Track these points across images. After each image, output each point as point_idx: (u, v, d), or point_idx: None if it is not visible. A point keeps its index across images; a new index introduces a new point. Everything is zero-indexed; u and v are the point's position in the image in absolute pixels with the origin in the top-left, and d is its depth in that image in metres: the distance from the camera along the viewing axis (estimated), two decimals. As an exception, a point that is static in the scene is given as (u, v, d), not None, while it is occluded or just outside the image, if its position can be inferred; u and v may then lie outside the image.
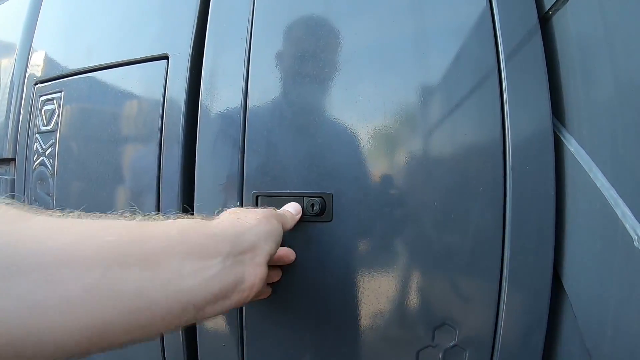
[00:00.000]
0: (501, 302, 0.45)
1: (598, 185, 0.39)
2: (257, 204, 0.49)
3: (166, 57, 0.55)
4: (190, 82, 0.53)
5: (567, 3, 0.44)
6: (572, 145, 0.45)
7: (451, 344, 0.47)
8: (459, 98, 0.47)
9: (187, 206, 0.51)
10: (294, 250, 0.48)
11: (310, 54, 0.49)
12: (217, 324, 0.51)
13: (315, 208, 0.47)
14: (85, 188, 0.57)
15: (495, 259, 0.45)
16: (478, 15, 0.48)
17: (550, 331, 0.46)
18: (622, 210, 0.35)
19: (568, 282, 0.45)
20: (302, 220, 0.47)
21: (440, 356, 0.47)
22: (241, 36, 0.52)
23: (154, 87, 0.54)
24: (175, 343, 0.53)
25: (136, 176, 0.54)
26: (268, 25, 0.51)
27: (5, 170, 0.70)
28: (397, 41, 0.48)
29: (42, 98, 0.64)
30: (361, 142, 0.48)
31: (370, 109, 0.48)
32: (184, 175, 0.52)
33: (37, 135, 0.64)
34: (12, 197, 0.66)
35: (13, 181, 0.67)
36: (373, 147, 0.47)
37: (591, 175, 0.40)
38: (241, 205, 0.49)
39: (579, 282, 0.42)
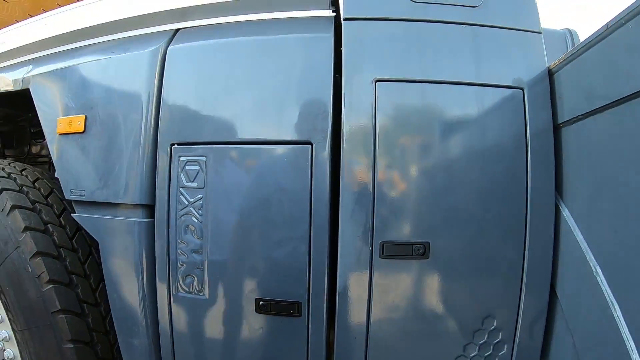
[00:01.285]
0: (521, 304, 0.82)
1: (577, 238, 0.75)
2: (382, 252, 0.78)
3: (310, 143, 0.78)
4: (331, 165, 0.78)
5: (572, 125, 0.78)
6: (565, 211, 0.81)
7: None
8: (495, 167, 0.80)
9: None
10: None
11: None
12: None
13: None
14: (235, 238, 0.81)
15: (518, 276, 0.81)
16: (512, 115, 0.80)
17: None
18: (589, 253, 0.72)
19: (560, 293, 0.82)
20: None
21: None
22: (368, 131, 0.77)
23: (300, 170, 0.78)
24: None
25: (286, 226, 0.79)
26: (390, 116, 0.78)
27: (141, 213, 0.86)
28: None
29: (183, 159, 0.83)
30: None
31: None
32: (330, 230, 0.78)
33: (180, 189, 0.83)
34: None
35: (153, 224, 0.85)
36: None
37: (573, 232, 0.76)
38: (371, 249, 0.78)
39: (568, 293, 0.80)
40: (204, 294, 0.84)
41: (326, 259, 0.82)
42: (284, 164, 0.81)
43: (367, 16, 0.83)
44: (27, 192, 1.16)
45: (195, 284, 0.85)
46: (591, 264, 0.74)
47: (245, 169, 0.82)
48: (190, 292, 0.85)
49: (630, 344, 0.66)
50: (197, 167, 0.82)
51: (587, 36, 0.72)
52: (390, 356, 0.84)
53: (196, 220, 0.82)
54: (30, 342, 1.09)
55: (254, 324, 0.83)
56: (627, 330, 0.68)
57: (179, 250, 0.84)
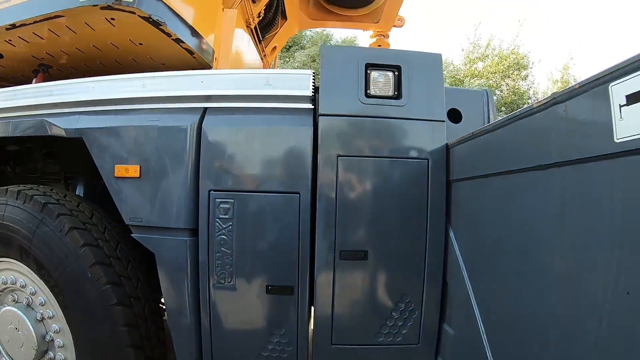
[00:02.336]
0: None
1: (455, 249, 1.37)
2: (340, 256, 1.34)
3: (298, 193, 1.32)
4: (311, 205, 1.33)
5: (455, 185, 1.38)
6: (450, 233, 1.42)
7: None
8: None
9: None
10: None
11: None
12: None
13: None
14: (252, 249, 1.34)
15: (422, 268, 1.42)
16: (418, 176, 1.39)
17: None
18: (460, 259, 1.33)
19: (448, 281, 1.44)
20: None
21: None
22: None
23: (292, 209, 1.32)
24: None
25: (284, 242, 1.34)
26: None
27: (188, 234, 1.37)
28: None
29: (218, 200, 1.35)
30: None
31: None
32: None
33: (216, 219, 1.35)
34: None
35: (197, 241, 1.36)
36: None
37: (454, 245, 1.38)
38: (334, 254, 1.35)
39: (450, 282, 1.42)
40: (232, 284, 1.39)
41: (308, 260, 1.40)
42: (282, 205, 1.36)
43: (334, 113, 1.39)
44: (77, 215, 1.60)
45: (226, 278, 1.39)
46: (461, 265, 1.36)
47: (258, 207, 1.36)
48: (223, 283, 1.39)
49: (476, 310, 1.28)
50: (228, 206, 1.35)
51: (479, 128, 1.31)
52: (347, 320, 1.43)
53: (226, 239, 1.36)
54: (85, 331, 1.53)
55: (265, 301, 1.41)
56: (475, 301, 1.30)
57: (215, 257, 1.37)
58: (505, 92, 15.47)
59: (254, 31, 2.97)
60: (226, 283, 1.39)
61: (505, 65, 15.22)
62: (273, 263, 1.40)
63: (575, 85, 0.83)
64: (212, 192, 1.37)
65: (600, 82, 0.75)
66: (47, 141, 2.00)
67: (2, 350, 1.81)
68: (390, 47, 4.16)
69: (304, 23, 3.92)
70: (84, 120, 1.56)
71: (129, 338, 1.48)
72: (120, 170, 1.44)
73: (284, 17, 3.56)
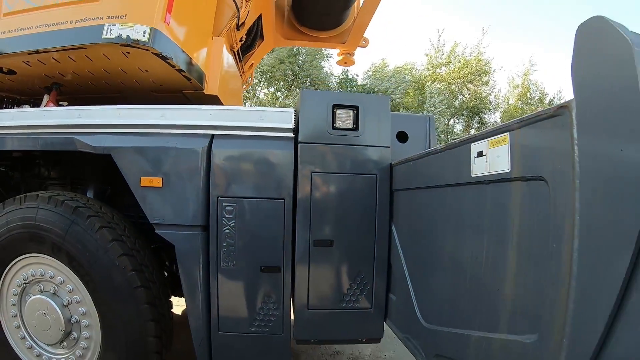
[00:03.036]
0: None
1: (396, 239, 1.96)
2: (314, 244, 1.90)
3: (283, 199, 1.87)
4: (292, 208, 1.88)
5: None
6: (393, 228, 2.01)
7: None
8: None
9: None
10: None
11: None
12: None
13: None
14: (249, 240, 1.87)
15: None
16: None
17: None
18: (398, 246, 1.93)
19: (392, 263, 2.04)
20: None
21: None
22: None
23: (279, 211, 1.87)
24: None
25: (272, 234, 1.88)
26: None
27: (200, 229, 1.88)
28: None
29: (224, 204, 1.87)
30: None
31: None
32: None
33: (223, 218, 1.86)
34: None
35: (207, 235, 1.87)
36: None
37: (395, 237, 1.97)
38: (309, 242, 1.91)
39: (393, 263, 2.02)
40: (234, 266, 1.91)
41: (290, 247, 1.96)
42: (272, 207, 1.91)
43: (310, 141, 1.95)
44: (102, 215, 2.05)
45: (230, 261, 1.91)
46: (400, 251, 1.96)
47: (254, 209, 1.89)
48: (227, 266, 1.91)
49: (409, 282, 1.88)
50: (232, 208, 1.87)
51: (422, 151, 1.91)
52: (319, 291, 1.99)
53: (230, 233, 1.88)
54: (113, 311, 1.92)
55: (259, 278, 1.95)
56: (408, 277, 1.90)
57: (222, 247, 1.89)
58: (467, 97, 16.63)
59: (236, 53, 3.46)
60: (230, 265, 1.92)
61: (467, 71, 16.34)
62: (265, 250, 1.94)
63: (456, 140, 1.43)
64: (219, 198, 1.89)
65: (468, 142, 1.35)
66: (55, 152, 2.37)
67: (26, 335, 2.19)
68: (355, 62, 4.78)
69: (279, 42, 4.44)
70: (110, 139, 2.01)
71: (150, 314, 1.93)
72: (145, 181, 1.91)
73: (262, 37, 4.06)
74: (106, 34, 2.13)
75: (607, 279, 0.82)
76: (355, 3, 4.10)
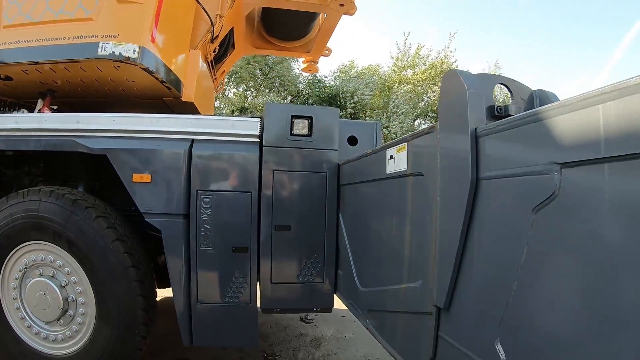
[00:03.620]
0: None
1: (342, 226, 2.49)
2: (275, 228, 2.41)
3: (250, 192, 2.35)
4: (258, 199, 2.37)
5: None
6: (340, 217, 2.54)
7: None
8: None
9: None
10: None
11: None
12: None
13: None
14: (223, 225, 2.35)
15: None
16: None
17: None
18: (344, 232, 2.46)
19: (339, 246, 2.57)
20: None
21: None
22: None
23: (246, 201, 2.36)
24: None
25: (242, 220, 2.36)
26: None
27: (182, 217, 2.33)
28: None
29: (202, 196, 2.35)
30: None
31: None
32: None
33: (201, 208, 2.33)
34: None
35: (188, 222, 2.33)
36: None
37: (342, 225, 2.50)
38: (272, 227, 2.41)
39: (340, 245, 2.54)
40: (211, 247, 2.38)
41: (256, 231, 2.45)
42: (241, 199, 2.38)
43: (272, 145, 2.45)
44: (97, 207, 2.46)
45: (207, 243, 2.37)
46: (345, 235, 2.48)
47: (226, 200, 2.36)
48: (205, 247, 2.37)
49: (351, 259, 2.40)
50: (208, 200, 2.33)
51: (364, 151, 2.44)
52: (280, 267, 2.49)
53: (207, 219, 2.34)
54: (107, 288, 2.29)
55: (231, 257, 2.42)
56: (351, 255, 2.42)
57: (200, 231, 2.35)
58: (433, 99, 17.51)
59: (209, 62, 3.89)
60: (207, 247, 2.38)
61: (433, 74, 17.19)
62: (235, 233, 2.42)
63: (377, 148, 1.97)
64: (198, 191, 2.34)
65: (385, 148, 1.88)
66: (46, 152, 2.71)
67: (25, 315, 2.55)
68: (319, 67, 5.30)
69: (248, 50, 4.90)
70: (106, 142, 2.41)
71: (139, 290, 2.35)
72: (136, 177, 2.34)
73: (233, 47, 4.50)
74: (101, 51, 2.51)
75: (453, 239, 1.35)
76: (320, 16, 4.60)
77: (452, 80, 1.41)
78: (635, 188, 0.75)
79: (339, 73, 16.34)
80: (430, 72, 17.01)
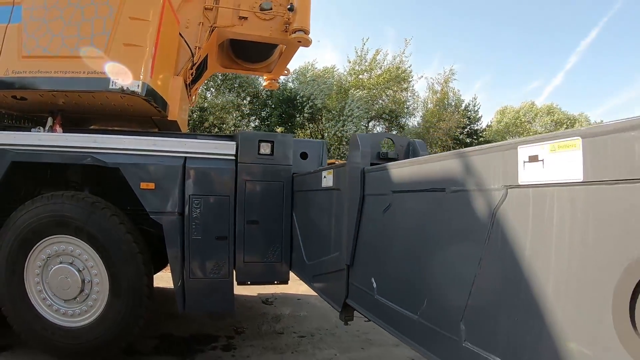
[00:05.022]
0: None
1: (296, 223, 3.55)
2: (247, 222, 3.43)
3: (228, 195, 3.36)
4: (235, 200, 3.39)
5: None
6: (294, 214, 3.60)
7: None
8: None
9: None
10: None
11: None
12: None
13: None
14: (210, 220, 3.35)
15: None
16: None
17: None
18: (297, 226, 3.53)
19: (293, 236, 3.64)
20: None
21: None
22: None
23: (225, 202, 3.37)
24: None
25: (224, 216, 3.36)
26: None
27: (178, 214, 3.28)
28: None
29: (193, 199, 3.31)
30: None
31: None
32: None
33: (193, 208, 3.29)
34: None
35: (183, 218, 3.28)
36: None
37: (295, 221, 3.57)
38: (244, 222, 3.43)
39: (294, 236, 3.61)
40: (200, 237, 3.34)
41: (234, 224, 3.46)
42: (222, 201, 3.37)
43: (245, 162, 3.47)
44: (110, 207, 3.34)
45: (197, 233, 3.33)
46: (297, 228, 3.55)
47: (211, 202, 3.34)
48: (196, 236, 3.33)
49: (301, 244, 3.47)
50: (199, 202, 3.30)
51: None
52: (250, 251, 3.51)
53: (197, 216, 3.31)
54: (120, 269, 3.14)
55: (215, 244, 3.39)
56: (301, 240, 3.49)
57: (192, 225, 3.31)
58: (386, 102, 18.88)
59: (187, 85, 4.79)
60: (197, 236, 3.33)
61: (387, 78, 18.43)
62: (218, 226, 3.38)
63: (317, 169, 3.06)
64: (190, 195, 3.30)
65: (321, 170, 2.97)
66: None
67: (47, 296, 3.34)
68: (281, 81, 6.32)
69: (218, 69, 5.81)
70: (119, 157, 3.28)
71: (145, 270, 3.27)
72: (144, 185, 3.24)
73: (206, 68, 5.39)
74: (112, 85, 3.34)
75: (353, 227, 2.44)
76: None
77: (355, 140, 2.51)
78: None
79: (296, 75, 17.24)
80: (385, 77, 18.30)
